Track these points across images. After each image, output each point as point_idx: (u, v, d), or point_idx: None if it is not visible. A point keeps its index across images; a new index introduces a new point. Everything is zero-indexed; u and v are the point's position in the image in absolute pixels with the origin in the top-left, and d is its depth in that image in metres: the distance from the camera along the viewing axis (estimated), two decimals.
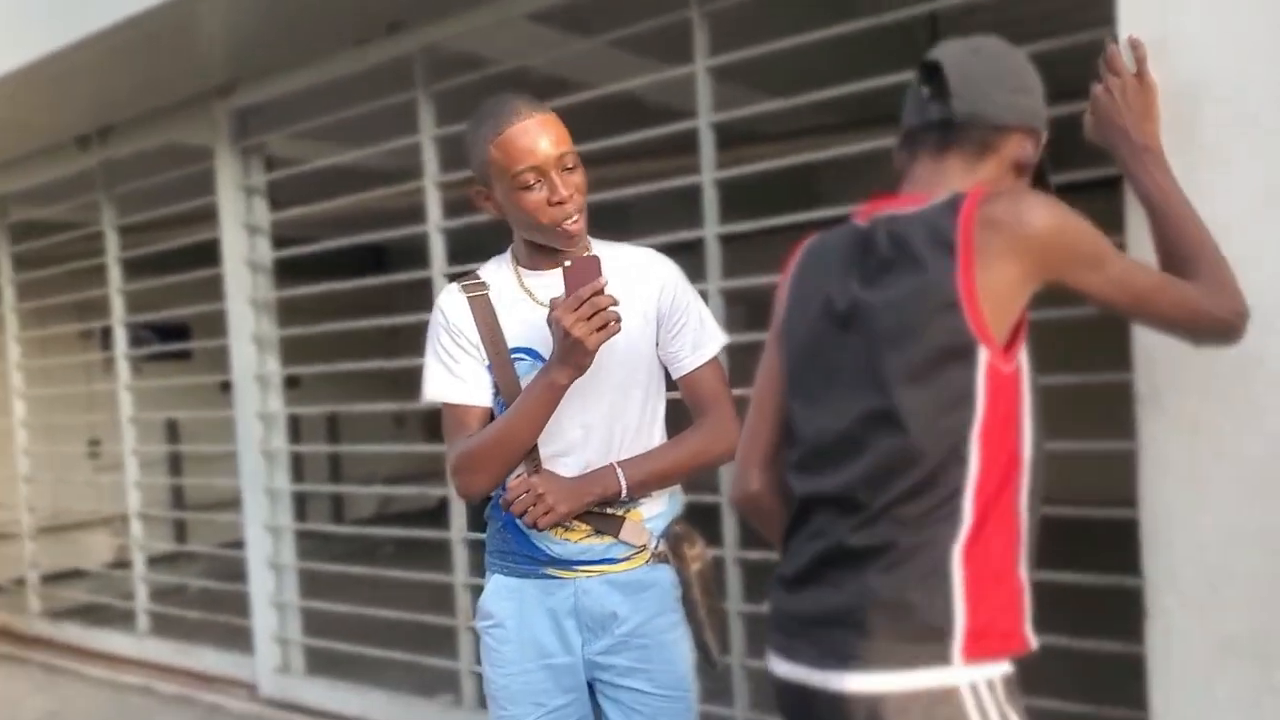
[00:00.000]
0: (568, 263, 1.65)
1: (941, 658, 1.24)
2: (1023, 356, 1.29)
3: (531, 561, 1.83)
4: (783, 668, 1.38)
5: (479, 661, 3.46)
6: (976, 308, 1.24)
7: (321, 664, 4.17)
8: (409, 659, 3.79)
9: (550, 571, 1.82)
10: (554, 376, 1.69)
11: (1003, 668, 1.27)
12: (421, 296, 3.57)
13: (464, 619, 3.57)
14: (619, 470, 1.78)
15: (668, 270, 1.87)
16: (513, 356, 1.81)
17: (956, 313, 1.25)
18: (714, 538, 2.06)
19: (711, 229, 2.90)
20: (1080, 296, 1.32)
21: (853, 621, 1.28)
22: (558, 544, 1.80)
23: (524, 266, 1.87)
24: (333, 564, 4.15)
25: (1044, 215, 1.27)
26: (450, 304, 1.85)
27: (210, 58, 3.85)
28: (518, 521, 1.79)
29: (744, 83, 3.50)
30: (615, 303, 1.62)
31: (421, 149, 3.50)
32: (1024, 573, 1.29)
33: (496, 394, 1.83)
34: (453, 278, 3.42)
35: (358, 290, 3.88)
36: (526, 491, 1.74)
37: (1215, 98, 1.51)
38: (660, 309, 1.83)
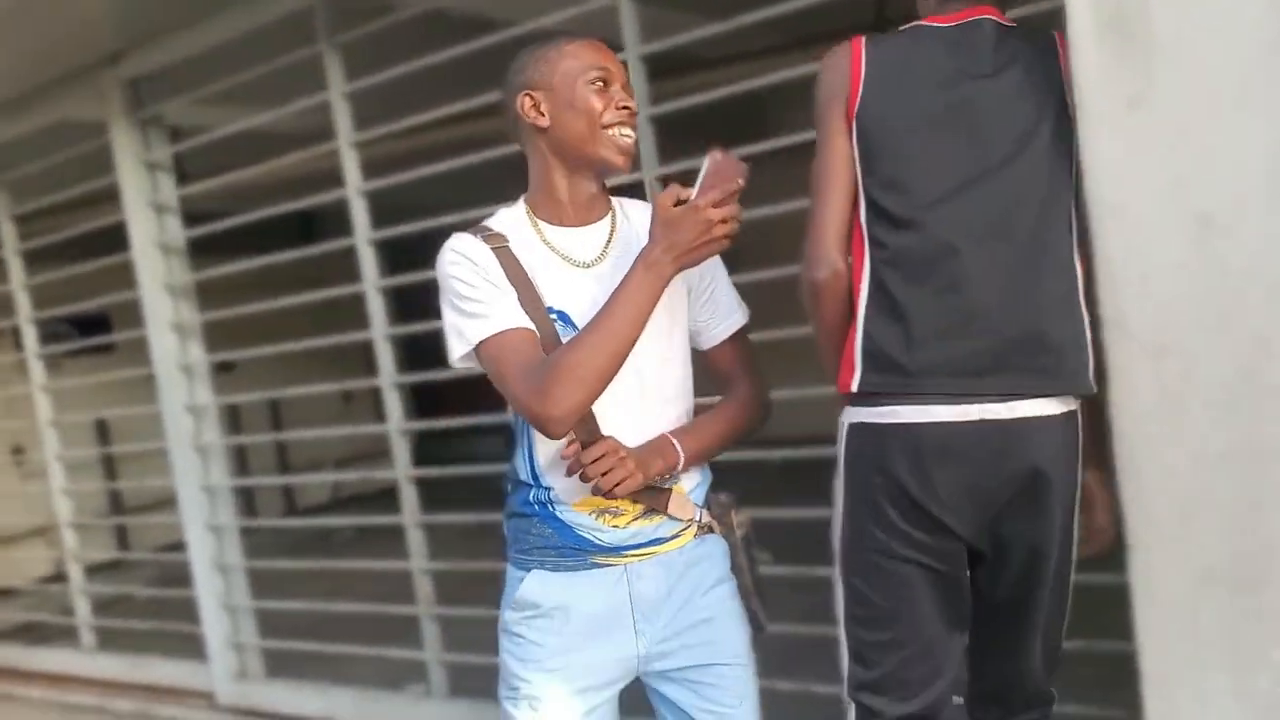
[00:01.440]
0: (717, 155, 1.66)
1: None
2: None
3: (578, 553, 1.80)
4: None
5: (446, 649, 3.54)
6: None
7: (281, 666, 4.17)
8: (373, 653, 3.79)
9: (599, 560, 1.80)
10: (663, 268, 1.63)
11: None
12: (349, 266, 3.55)
13: (425, 607, 3.57)
14: (675, 441, 1.79)
15: None
16: (550, 314, 1.76)
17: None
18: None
19: (651, 170, 2.87)
20: None
21: None
22: (606, 531, 1.78)
23: (545, 220, 1.82)
24: (284, 558, 4.14)
25: None
26: (471, 248, 1.76)
27: (94, 23, 3.72)
28: (557, 508, 1.79)
29: (676, 6, 3.46)
30: (740, 214, 1.63)
31: (332, 107, 3.43)
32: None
33: None
34: (378, 243, 3.47)
35: (288, 263, 3.81)
36: (606, 455, 1.67)
37: None
38: (689, 274, 1.77)
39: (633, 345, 1.66)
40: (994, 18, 1.78)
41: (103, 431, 6.56)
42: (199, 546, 4.17)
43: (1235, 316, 1.46)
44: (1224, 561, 1.45)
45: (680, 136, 2.96)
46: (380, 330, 3.53)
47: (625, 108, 1.76)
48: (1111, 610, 1.68)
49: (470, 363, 1.77)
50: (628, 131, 1.77)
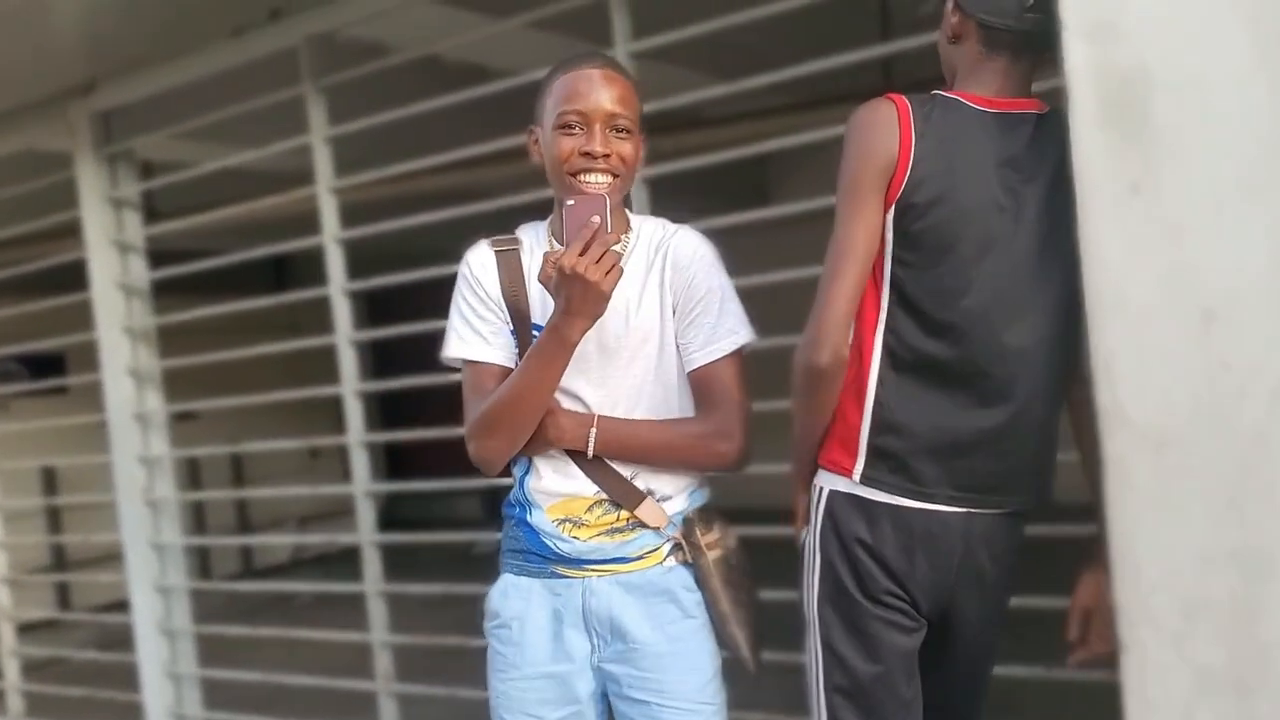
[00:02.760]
0: (570, 201, 1.72)
1: None
2: None
3: (541, 559, 1.91)
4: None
5: None
6: None
7: None
8: None
9: (558, 570, 1.90)
10: (565, 331, 1.74)
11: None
12: (322, 316, 3.58)
13: (384, 682, 3.56)
14: (595, 420, 1.86)
15: (693, 249, 1.91)
16: (534, 331, 1.87)
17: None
18: None
19: None
20: None
21: None
22: (567, 541, 1.88)
23: (558, 239, 1.91)
24: (239, 623, 4.10)
25: None
26: (477, 259, 1.94)
27: (67, 50, 3.77)
28: (529, 512, 1.90)
29: (677, 62, 3.53)
30: (617, 240, 1.71)
31: (312, 150, 3.47)
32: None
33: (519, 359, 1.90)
34: (354, 293, 3.50)
35: (258, 310, 3.83)
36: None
37: (1165, 84, 1.56)
38: (676, 291, 1.88)
39: (547, 399, 1.83)
40: (1035, 110, 1.79)
41: (49, 480, 6.51)
42: (144, 608, 4.13)
43: (1236, 412, 1.50)
44: (1224, 663, 1.48)
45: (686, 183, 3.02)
46: (351, 385, 3.54)
47: (588, 154, 1.80)
48: (1102, 708, 1.71)
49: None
50: (594, 178, 1.82)
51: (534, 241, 1.96)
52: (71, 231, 4.25)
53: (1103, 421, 1.60)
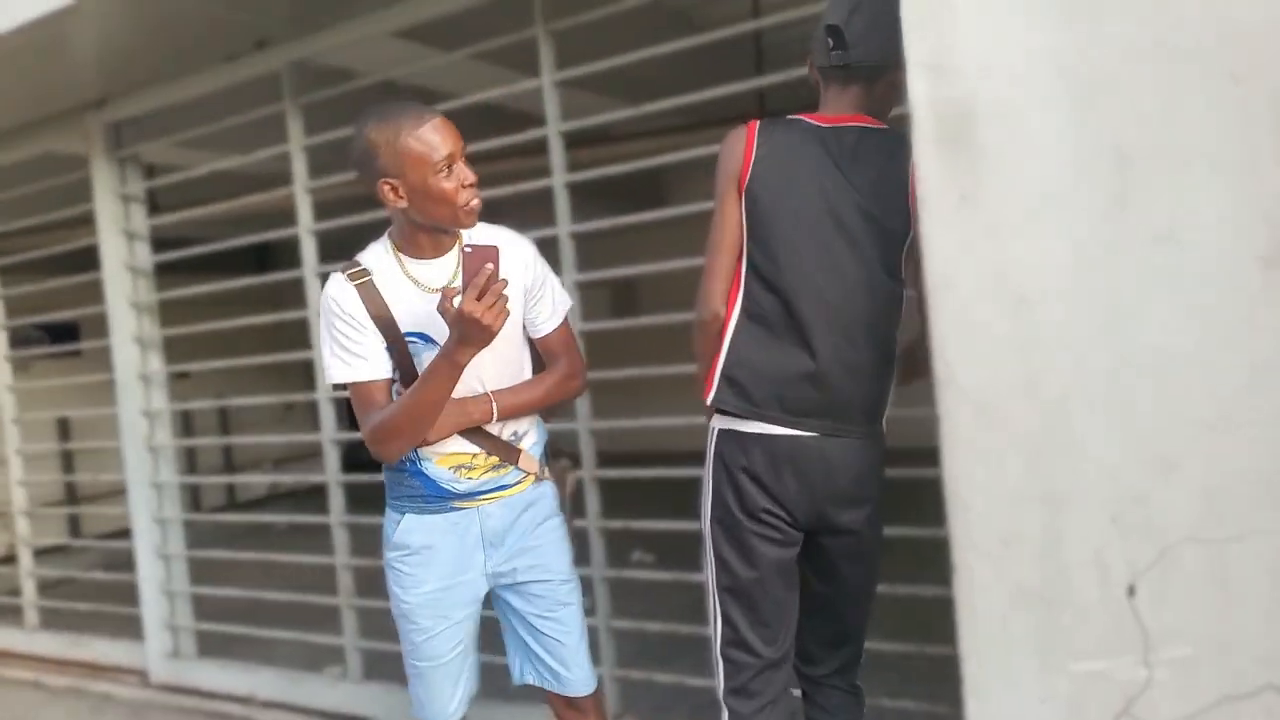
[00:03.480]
0: (468, 248, 1.67)
1: None
2: None
3: (439, 500, 1.94)
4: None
5: (363, 636, 3.39)
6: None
7: (212, 647, 3.93)
8: (296, 637, 3.61)
9: (456, 504, 1.95)
10: (456, 357, 1.73)
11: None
12: (297, 293, 3.43)
13: (346, 598, 3.42)
14: (493, 399, 1.90)
15: (529, 249, 1.97)
16: (407, 336, 1.85)
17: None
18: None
19: (564, 227, 2.83)
20: None
21: None
22: (462, 482, 1.93)
23: (407, 255, 1.89)
24: (223, 549, 3.92)
25: None
26: (341, 293, 1.86)
27: (82, 73, 3.54)
28: (422, 463, 1.92)
29: (591, 89, 3.44)
30: (506, 285, 1.68)
31: (291, 157, 3.31)
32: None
33: (393, 372, 1.88)
34: (323, 275, 3.34)
35: (243, 287, 3.65)
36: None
37: (989, 113, 1.52)
38: (526, 283, 1.93)
39: (441, 409, 1.82)
40: (861, 124, 1.84)
41: (64, 428, 6.19)
42: (144, 536, 3.93)
43: (1043, 379, 1.47)
44: (1033, 584, 1.46)
45: (595, 193, 2.95)
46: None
47: (469, 185, 1.80)
48: (939, 618, 1.68)
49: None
50: (475, 200, 1.82)
51: (379, 263, 1.89)
52: (86, 221, 4.04)
53: (937, 386, 1.56)
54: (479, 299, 1.65)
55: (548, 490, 2.05)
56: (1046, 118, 1.48)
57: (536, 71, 2.81)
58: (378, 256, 1.90)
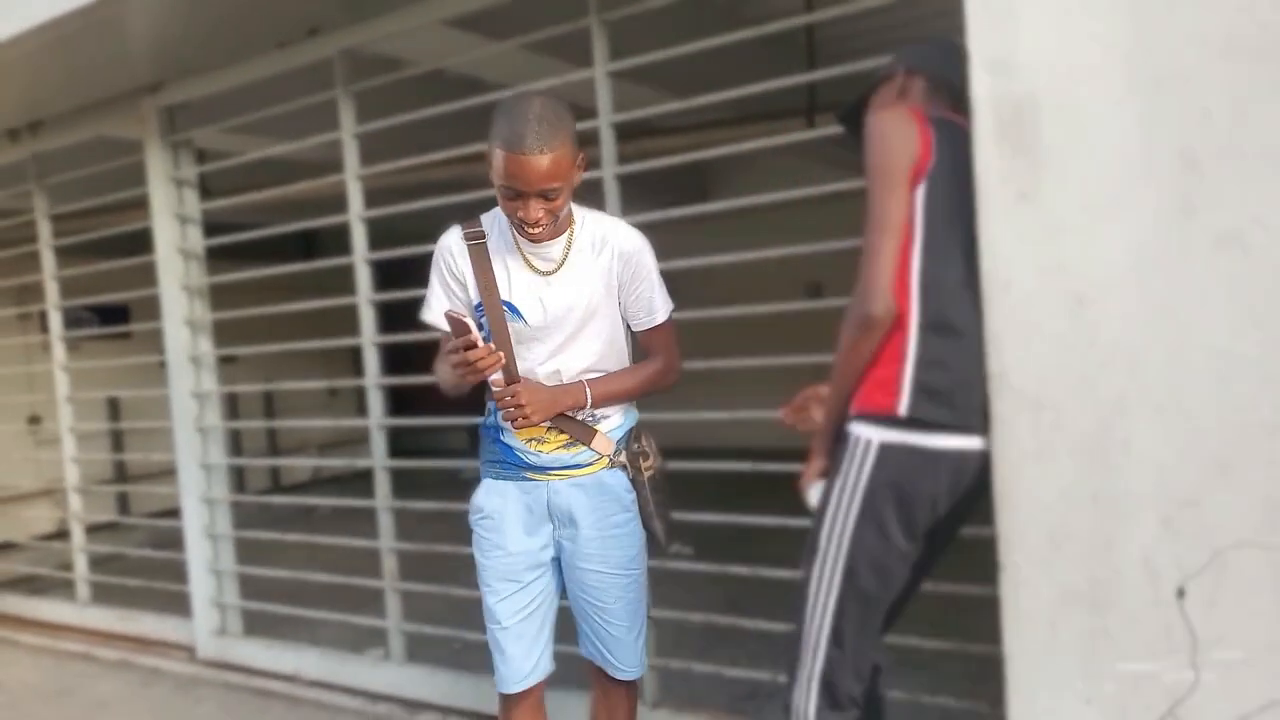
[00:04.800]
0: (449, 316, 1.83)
1: None
2: None
3: (514, 468, 2.05)
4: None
5: (405, 619, 3.46)
6: None
7: (257, 625, 4.03)
8: (340, 618, 3.70)
9: (529, 475, 2.04)
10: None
11: None
12: (345, 280, 3.49)
13: (390, 580, 3.49)
14: (587, 387, 1.98)
15: (630, 244, 2.00)
16: (504, 304, 1.95)
17: None
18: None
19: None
20: None
21: None
22: (534, 454, 2.03)
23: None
24: (267, 530, 4.01)
25: None
26: (455, 248, 1.99)
27: (138, 57, 3.62)
28: (502, 434, 2.03)
29: (635, 79, 3.46)
30: (493, 355, 1.84)
31: (342, 144, 3.36)
32: None
33: (482, 329, 1.95)
34: (374, 264, 3.41)
35: (291, 273, 3.72)
36: (510, 398, 1.92)
37: (1051, 111, 1.52)
38: (620, 277, 1.99)
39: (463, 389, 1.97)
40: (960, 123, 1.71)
41: (114, 408, 6.34)
42: (192, 516, 4.03)
43: (1099, 380, 1.47)
44: (1081, 585, 1.46)
45: (635, 191, 2.97)
46: (369, 337, 3.46)
47: (522, 219, 1.84)
48: (983, 616, 1.69)
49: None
50: (529, 228, 1.86)
51: (497, 232, 1.99)
52: (139, 205, 4.12)
53: (991, 384, 1.56)
54: (455, 366, 1.82)
55: (622, 480, 2.07)
56: (1111, 116, 1.48)
57: (586, 62, 2.83)
58: (500, 226, 1.99)
